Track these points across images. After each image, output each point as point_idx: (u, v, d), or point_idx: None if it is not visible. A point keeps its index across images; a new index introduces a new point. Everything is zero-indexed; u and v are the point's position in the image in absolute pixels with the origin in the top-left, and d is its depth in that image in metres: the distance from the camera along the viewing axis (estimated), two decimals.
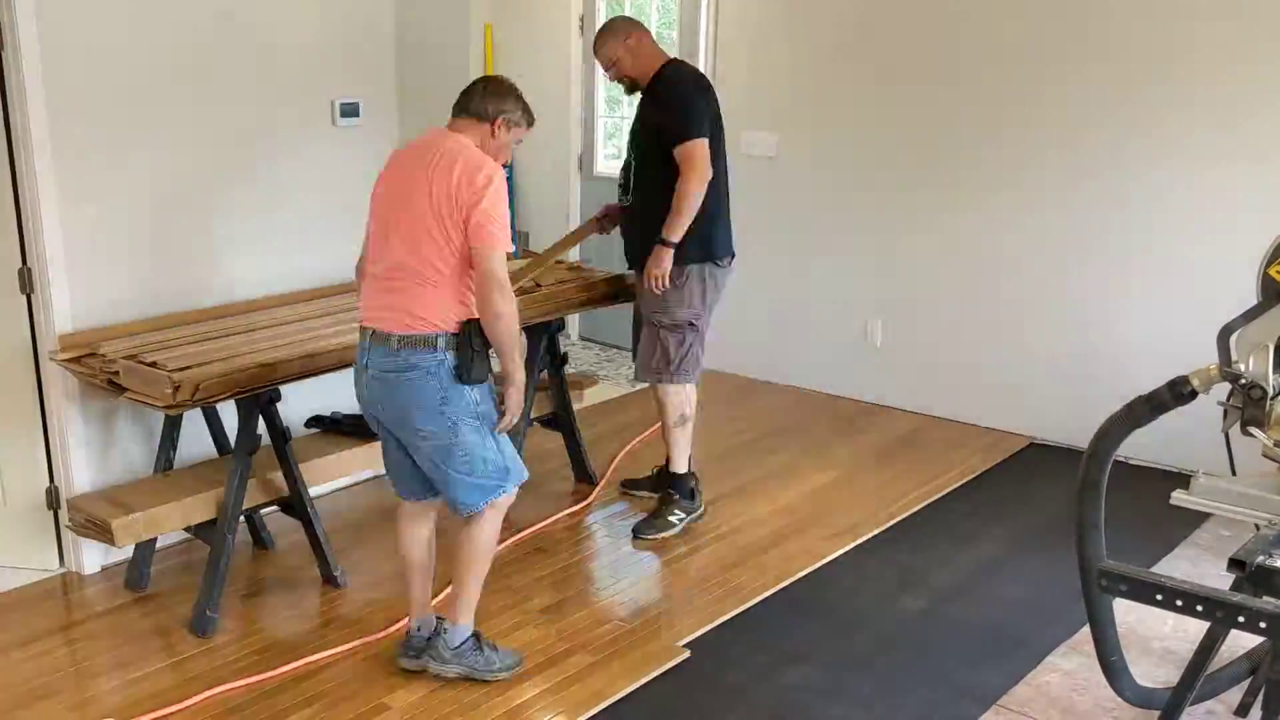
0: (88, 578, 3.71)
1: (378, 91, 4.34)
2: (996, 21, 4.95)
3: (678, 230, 3.79)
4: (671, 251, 3.81)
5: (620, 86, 4.05)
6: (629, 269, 4.13)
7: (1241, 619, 1.88)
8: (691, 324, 3.96)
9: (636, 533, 4.06)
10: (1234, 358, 2.39)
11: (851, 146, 5.46)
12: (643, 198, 3.92)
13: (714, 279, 4.01)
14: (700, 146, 3.76)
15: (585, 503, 4.37)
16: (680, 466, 4.12)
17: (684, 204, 3.76)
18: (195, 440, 3.81)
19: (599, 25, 6.30)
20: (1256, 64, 4.32)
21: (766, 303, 5.90)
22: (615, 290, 4.41)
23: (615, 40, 3.89)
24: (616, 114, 6.68)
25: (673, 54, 6.12)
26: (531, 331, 4.24)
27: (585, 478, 4.55)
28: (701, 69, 5.95)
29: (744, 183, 5.86)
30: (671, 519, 4.08)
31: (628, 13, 6.47)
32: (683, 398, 4.03)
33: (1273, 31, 4.27)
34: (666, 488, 4.16)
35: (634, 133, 4.01)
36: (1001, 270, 5.09)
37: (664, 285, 3.86)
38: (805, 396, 5.75)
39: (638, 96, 4.01)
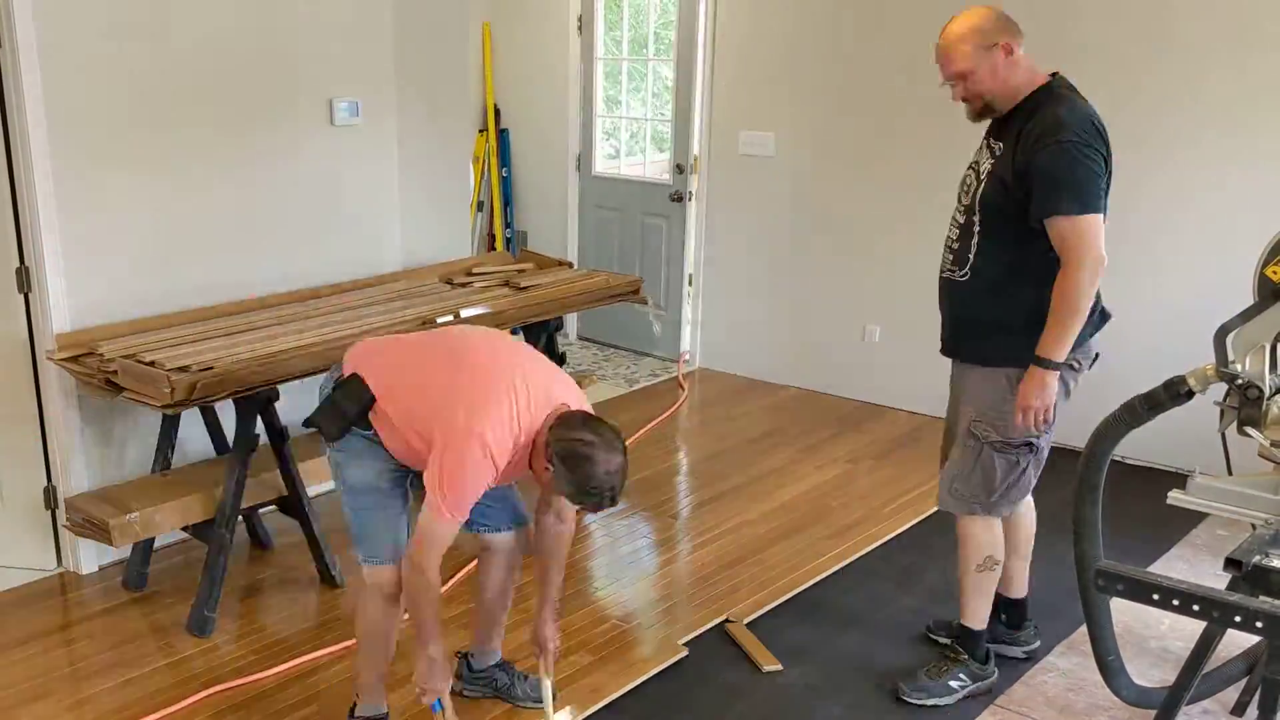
0: (85, 577, 3.71)
1: (376, 91, 4.34)
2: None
3: (1061, 344, 2.75)
4: (1056, 375, 2.79)
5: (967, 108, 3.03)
6: (944, 353, 3.28)
7: (1238, 618, 1.88)
8: (1029, 443, 2.97)
9: (901, 693, 3.10)
10: (1230, 357, 2.39)
11: (850, 146, 5.46)
12: (980, 272, 2.95)
13: (1067, 385, 2.94)
14: (1093, 226, 2.75)
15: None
16: (974, 622, 3.14)
17: (1069, 305, 2.73)
18: (193, 440, 3.82)
19: (598, 25, 6.40)
20: (1254, 67, 4.32)
21: (765, 302, 5.90)
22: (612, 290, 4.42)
23: (977, 48, 2.93)
24: (615, 113, 6.68)
25: (671, 53, 6.22)
26: (529, 331, 4.24)
27: None
28: (699, 69, 5.98)
29: (742, 182, 5.89)
30: (953, 684, 3.10)
31: (626, 12, 6.48)
32: (994, 535, 3.10)
33: (1271, 33, 4.27)
34: (953, 640, 3.21)
35: (989, 176, 2.90)
36: None
37: (1040, 425, 2.87)
38: (804, 396, 5.75)
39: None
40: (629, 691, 3.10)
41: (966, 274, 2.97)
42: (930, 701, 3.08)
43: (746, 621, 3.48)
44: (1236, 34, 4.34)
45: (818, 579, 3.78)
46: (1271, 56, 4.28)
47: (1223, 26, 4.37)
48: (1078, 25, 4.70)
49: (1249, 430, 2.32)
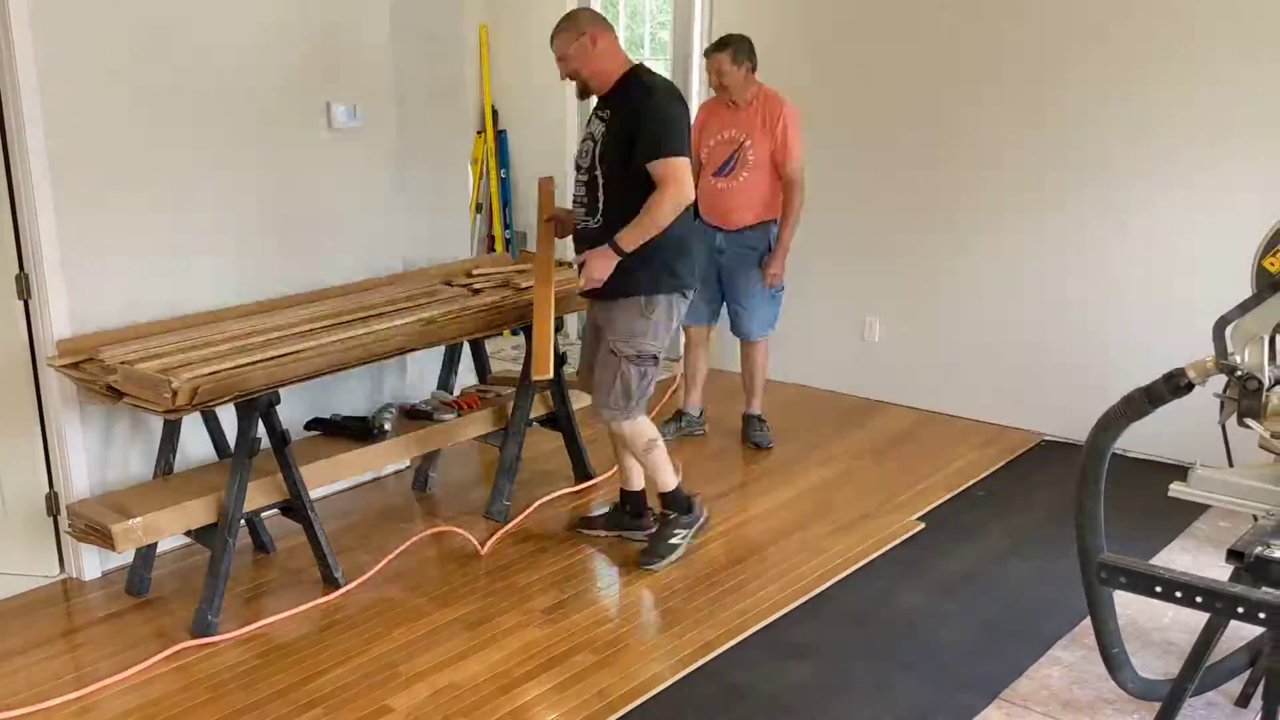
0: (88, 583, 3.71)
1: (374, 95, 4.34)
2: (997, 21, 4.95)
3: (632, 241, 3.50)
4: (615, 260, 3.53)
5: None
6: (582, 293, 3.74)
7: (1240, 610, 1.88)
8: (654, 357, 3.70)
9: (642, 564, 3.78)
10: (1230, 349, 2.39)
11: (850, 144, 5.46)
12: (610, 217, 3.59)
13: (679, 309, 3.74)
14: (682, 164, 3.49)
15: (585, 484, 4.38)
16: (669, 483, 3.86)
17: (652, 216, 3.47)
18: (195, 444, 3.82)
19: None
20: (1252, 64, 4.32)
21: None
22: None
23: (569, 35, 3.62)
24: None
25: (671, 54, 6.21)
26: (529, 331, 4.24)
27: (585, 477, 4.55)
28: (696, 67, 5.98)
29: None
30: (674, 540, 3.82)
31: (623, 14, 6.48)
32: (644, 426, 3.80)
33: (1268, 31, 4.27)
34: (662, 509, 3.89)
35: (598, 147, 3.61)
36: (1002, 266, 5.09)
37: (592, 285, 3.58)
38: (805, 393, 5.75)
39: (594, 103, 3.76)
40: (632, 691, 3.10)
41: (599, 222, 3.62)
42: (666, 562, 3.75)
43: (756, 629, 3.48)
44: (1233, 32, 4.34)
45: (821, 575, 3.78)
46: (1270, 54, 4.28)
47: (1221, 26, 4.37)
48: (1083, 30, 4.70)
49: (1249, 422, 2.32)
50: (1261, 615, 1.87)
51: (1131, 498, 4.00)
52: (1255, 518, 2.36)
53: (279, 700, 3.05)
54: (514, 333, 5.88)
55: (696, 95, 5.97)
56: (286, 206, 4.10)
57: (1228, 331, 2.43)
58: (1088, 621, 2.68)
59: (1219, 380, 2.35)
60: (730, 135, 4.68)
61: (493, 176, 6.84)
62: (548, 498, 4.40)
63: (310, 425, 4.01)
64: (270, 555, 3.92)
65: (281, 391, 3.47)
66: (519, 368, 4.41)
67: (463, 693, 3.08)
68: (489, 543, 3.98)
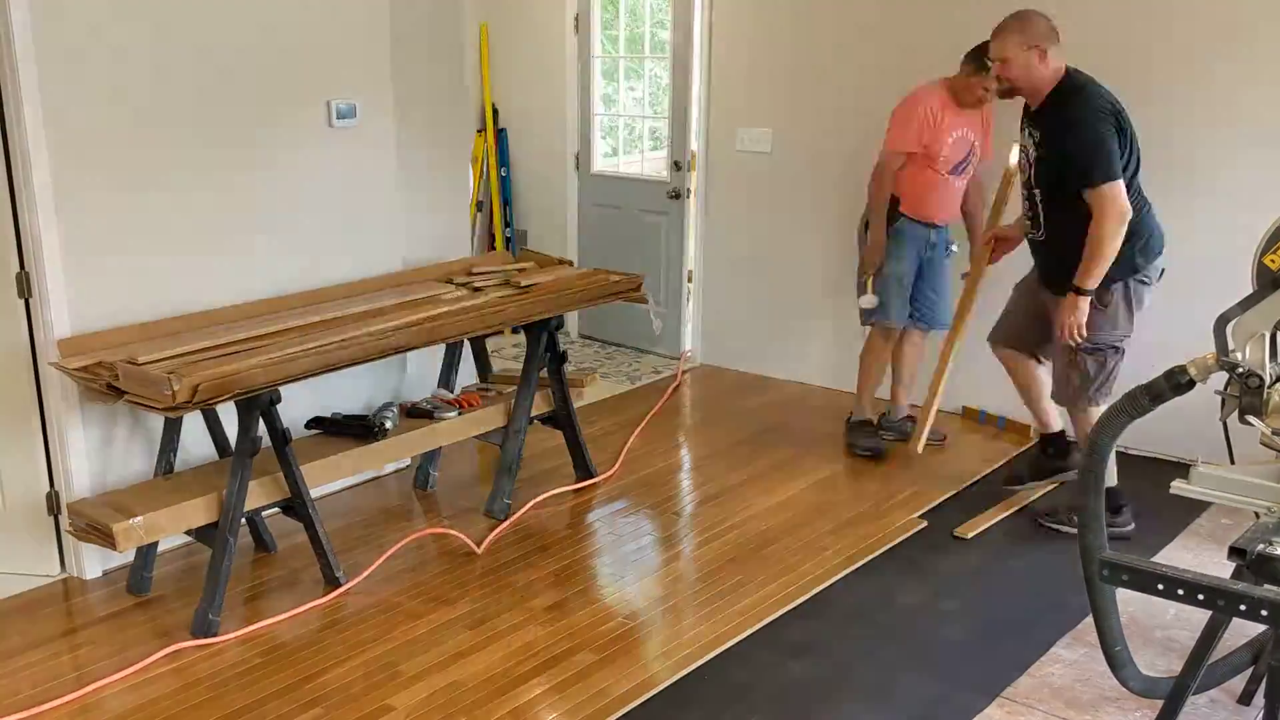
0: (89, 583, 3.71)
1: (374, 92, 4.33)
2: (990, 18, 4.93)
3: (1093, 277, 3.69)
4: (1087, 300, 3.73)
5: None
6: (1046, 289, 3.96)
7: (1242, 607, 1.88)
8: (1115, 347, 3.86)
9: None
10: (1231, 346, 2.38)
11: (847, 142, 5.45)
12: (1054, 232, 3.82)
13: (1139, 295, 3.85)
14: (1116, 190, 3.61)
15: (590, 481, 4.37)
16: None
17: (1102, 251, 3.65)
18: (196, 443, 3.82)
19: (594, 24, 6.39)
20: (1251, 60, 4.32)
21: (765, 298, 5.90)
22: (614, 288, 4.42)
23: (1017, 41, 3.81)
24: (611, 111, 6.68)
25: (667, 52, 6.22)
26: (530, 329, 4.25)
27: (587, 475, 4.55)
28: (696, 66, 5.97)
29: (740, 179, 5.89)
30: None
31: (622, 10, 6.48)
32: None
33: (1267, 16, 4.27)
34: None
35: (1033, 170, 3.83)
36: (1009, 261, 5.08)
37: (1080, 336, 3.76)
38: (806, 391, 5.75)
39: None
40: (633, 691, 3.10)
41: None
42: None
43: (757, 628, 3.48)
44: (1232, 26, 4.34)
45: (821, 573, 3.78)
46: (1268, 48, 4.28)
47: (1220, 22, 4.36)
48: (1082, 25, 4.69)
49: (1250, 419, 2.31)
50: (1263, 613, 1.87)
51: (1133, 495, 4.00)
52: (1257, 515, 2.36)
53: (279, 700, 3.04)
54: (514, 331, 5.88)
55: (697, 96, 5.96)
56: (286, 205, 4.09)
57: (1228, 328, 2.43)
58: (1090, 619, 2.67)
59: (1220, 377, 2.35)
60: (964, 134, 4.60)
61: (493, 175, 6.84)
62: (546, 495, 4.39)
63: (311, 424, 4.00)
64: (271, 554, 3.92)
65: (282, 390, 3.47)
66: (519, 366, 4.40)
67: (463, 692, 3.08)
68: (485, 542, 3.97)
